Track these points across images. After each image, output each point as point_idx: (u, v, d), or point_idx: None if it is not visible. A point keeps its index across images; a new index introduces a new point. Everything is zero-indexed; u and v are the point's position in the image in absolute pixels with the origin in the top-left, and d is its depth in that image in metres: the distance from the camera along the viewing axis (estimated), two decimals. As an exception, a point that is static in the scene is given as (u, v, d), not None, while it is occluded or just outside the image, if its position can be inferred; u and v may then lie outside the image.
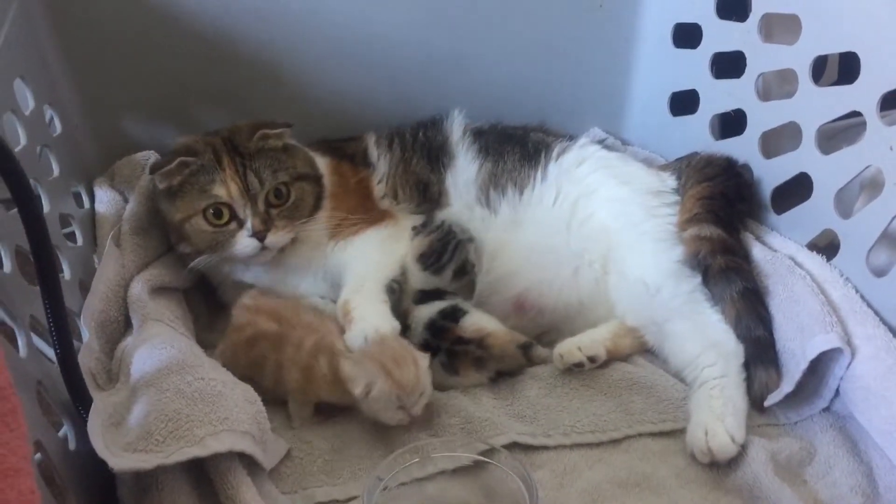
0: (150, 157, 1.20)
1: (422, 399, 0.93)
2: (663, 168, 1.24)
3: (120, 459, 0.74)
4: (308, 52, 1.28)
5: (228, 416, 0.80)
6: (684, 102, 1.31)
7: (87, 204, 1.16)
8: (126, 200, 1.16)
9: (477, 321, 1.05)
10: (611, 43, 1.38)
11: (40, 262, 0.71)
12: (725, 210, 1.10)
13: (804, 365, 0.91)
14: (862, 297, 0.96)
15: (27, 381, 0.74)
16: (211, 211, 1.04)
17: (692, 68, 1.26)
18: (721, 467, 0.90)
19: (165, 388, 0.81)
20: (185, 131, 1.15)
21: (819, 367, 0.93)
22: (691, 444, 0.92)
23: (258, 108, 1.24)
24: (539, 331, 1.12)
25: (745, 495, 0.87)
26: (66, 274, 0.97)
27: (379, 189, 1.20)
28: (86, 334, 0.93)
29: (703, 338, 1.00)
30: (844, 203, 1.04)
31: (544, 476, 0.90)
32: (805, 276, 1.00)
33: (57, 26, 1.16)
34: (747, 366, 0.98)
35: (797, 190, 1.09)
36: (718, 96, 1.23)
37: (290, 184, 1.08)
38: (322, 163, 1.16)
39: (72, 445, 0.80)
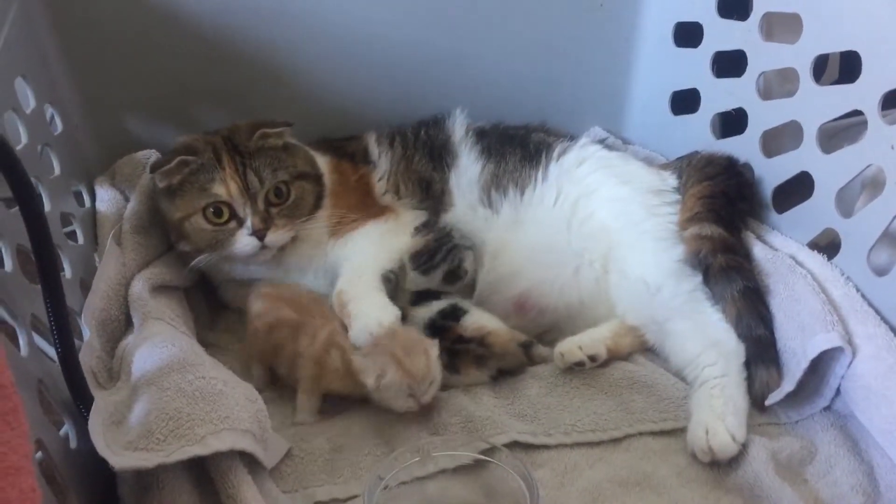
0: (151, 155, 1.20)
1: (432, 388, 0.94)
2: (664, 167, 1.24)
3: (121, 458, 0.73)
4: (308, 52, 1.28)
5: (229, 415, 0.80)
6: (685, 101, 1.31)
7: (88, 203, 1.16)
8: (127, 199, 1.16)
9: (477, 320, 1.05)
10: (611, 42, 1.38)
11: (41, 260, 0.71)
12: (726, 209, 1.10)
13: (805, 364, 0.91)
14: (863, 296, 0.96)
15: (28, 379, 0.74)
16: (211, 210, 1.04)
17: (693, 67, 1.26)
18: (722, 466, 0.90)
19: (166, 387, 0.81)
20: (186, 131, 1.15)
21: (820, 366, 0.93)
22: (692, 443, 0.92)
23: (258, 107, 1.24)
24: (540, 330, 1.12)
25: (746, 494, 0.87)
26: (68, 273, 0.97)
27: (380, 186, 1.21)
28: (87, 333, 0.93)
29: (703, 337, 1.00)
30: (845, 202, 1.04)
31: (545, 475, 0.90)
32: (806, 275, 1.00)
33: (57, 26, 1.16)
34: (748, 365, 0.98)
35: (798, 189, 1.09)
36: (719, 95, 1.23)
37: (289, 182, 1.08)
38: (322, 161, 1.17)
39: (73, 444, 0.80)
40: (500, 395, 1.01)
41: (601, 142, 1.28)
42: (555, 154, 1.19)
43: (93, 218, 1.14)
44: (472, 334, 1.03)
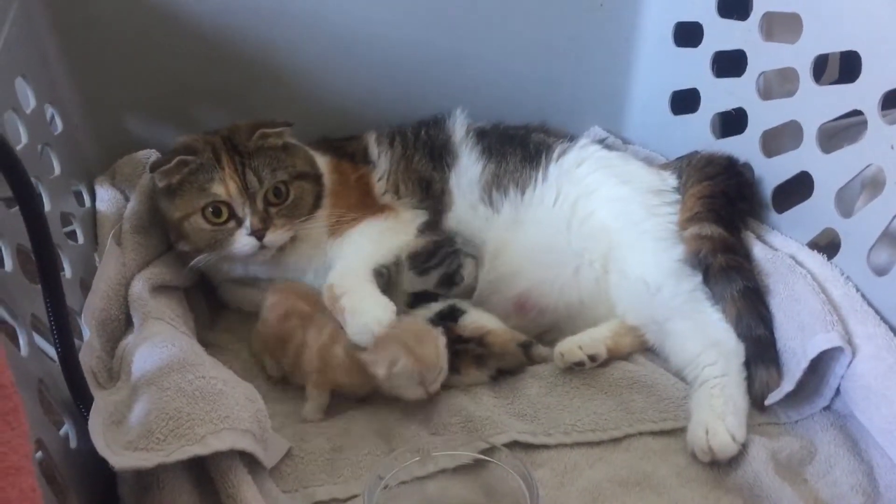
0: (151, 155, 1.20)
1: (440, 376, 0.95)
2: (664, 167, 1.24)
3: (121, 458, 0.73)
4: (308, 52, 1.28)
5: (229, 415, 0.80)
6: (685, 101, 1.31)
7: (88, 202, 1.16)
8: (127, 199, 1.16)
9: (476, 319, 1.05)
10: (611, 42, 1.38)
11: (41, 260, 0.71)
12: (726, 209, 1.10)
13: (805, 364, 0.91)
14: (863, 295, 0.96)
15: (28, 379, 0.74)
16: (210, 209, 1.04)
17: (693, 67, 1.26)
18: (722, 466, 0.90)
19: (166, 387, 0.81)
20: (186, 131, 1.15)
21: (820, 365, 0.93)
22: (692, 442, 0.92)
23: (258, 107, 1.24)
24: (540, 330, 1.12)
25: (746, 494, 0.87)
26: (68, 272, 0.97)
27: (380, 186, 1.20)
28: (87, 333, 0.93)
29: (703, 337, 1.00)
30: (845, 202, 1.04)
31: (545, 475, 0.90)
32: (806, 274, 1.00)
33: (57, 25, 1.16)
34: (748, 365, 0.98)
35: (798, 189, 1.09)
36: (719, 95, 1.23)
37: (289, 182, 1.08)
38: (322, 161, 1.16)
39: (73, 444, 0.79)
40: (500, 394, 1.01)
41: (601, 141, 1.28)
42: (554, 155, 1.19)
43: (93, 218, 1.14)
44: (472, 334, 1.03)
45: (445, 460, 0.88)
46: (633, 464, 0.91)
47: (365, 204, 1.17)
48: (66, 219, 1.05)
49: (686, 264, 1.06)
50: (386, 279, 1.10)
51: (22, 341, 0.77)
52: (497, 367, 1.02)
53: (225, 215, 1.05)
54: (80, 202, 1.15)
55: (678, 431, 0.95)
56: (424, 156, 1.22)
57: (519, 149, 1.21)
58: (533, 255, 1.13)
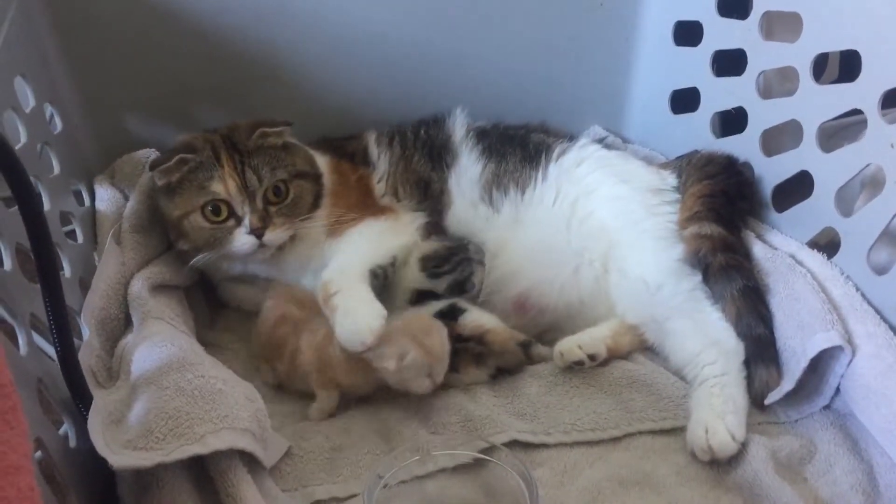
0: (151, 154, 1.20)
1: (444, 368, 0.95)
2: (664, 166, 1.24)
3: (120, 457, 0.73)
4: (308, 52, 1.28)
5: (229, 414, 0.80)
6: (685, 100, 1.31)
7: (87, 202, 1.16)
8: (127, 198, 1.16)
9: (476, 318, 1.05)
10: (611, 41, 1.38)
11: (41, 259, 0.71)
12: (726, 208, 1.10)
13: (805, 363, 0.91)
14: (862, 295, 0.96)
15: (28, 378, 0.74)
16: (209, 208, 1.04)
17: (693, 66, 1.26)
18: (721, 465, 0.90)
19: (166, 386, 0.81)
20: (186, 130, 1.15)
21: (819, 365, 0.93)
22: (692, 442, 0.92)
23: (258, 107, 1.24)
24: (540, 330, 1.12)
25: (746, 493, 0.86)
26: (67, 272, 0.97)
27: (379, 188, 1.20)
28: (86, 332, 0.93)
29: (703, 336, 1.00)
30: (845, 201, 1.04)
31: (544, 474, 0.90)
32: (806, 274, 1.00)
33: (57, 25, 1.16)
34: (748, 364, 0.98)
35: (798, 188, 1.09)
36: (719, 94, 1.23)
37: (288, 181, 1.08)
38: (322, 161, 1.16)
39: (72, 443, 0.79)
40: (500, 394, 1.01)
41: (601, 141, 1.28)
42: (554, 154, 1.19)
43: (92, 217, 1.14)
44: (471, 333, 1.03)
45: (445, 459, 0.88)
46: (632, 463, 0.91)
47: (364, 204, 1.16)
48: (65, 218, 1.05)
49: (686, 263, 1.06)
50: (381, 280, 1.09)
51: (21, 340, 0.77)
52: (497, 366, 1.03)
53: (224, 214, 1.05)
54: (80, 201, 1.15)
55: (678, 430, 0.95)
56: (424, 156, 1.22)
57: (519, 148, 1.21)
58: (533, 255, 1.13)
